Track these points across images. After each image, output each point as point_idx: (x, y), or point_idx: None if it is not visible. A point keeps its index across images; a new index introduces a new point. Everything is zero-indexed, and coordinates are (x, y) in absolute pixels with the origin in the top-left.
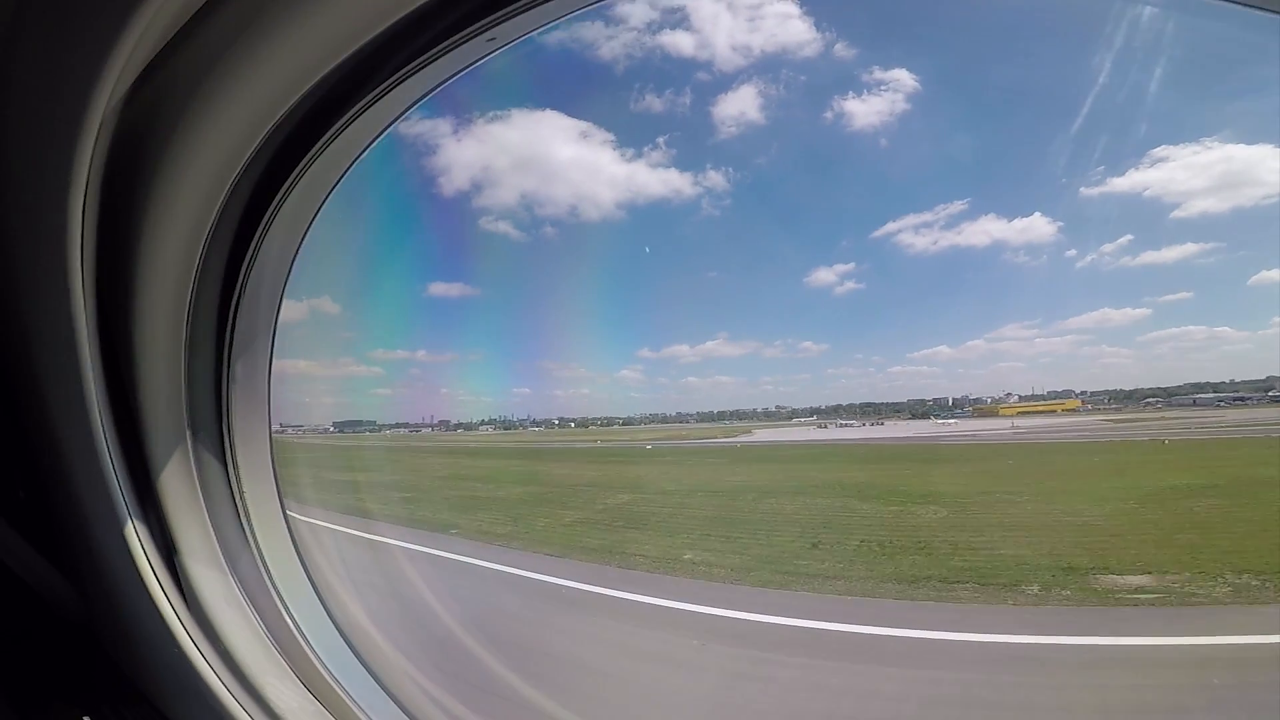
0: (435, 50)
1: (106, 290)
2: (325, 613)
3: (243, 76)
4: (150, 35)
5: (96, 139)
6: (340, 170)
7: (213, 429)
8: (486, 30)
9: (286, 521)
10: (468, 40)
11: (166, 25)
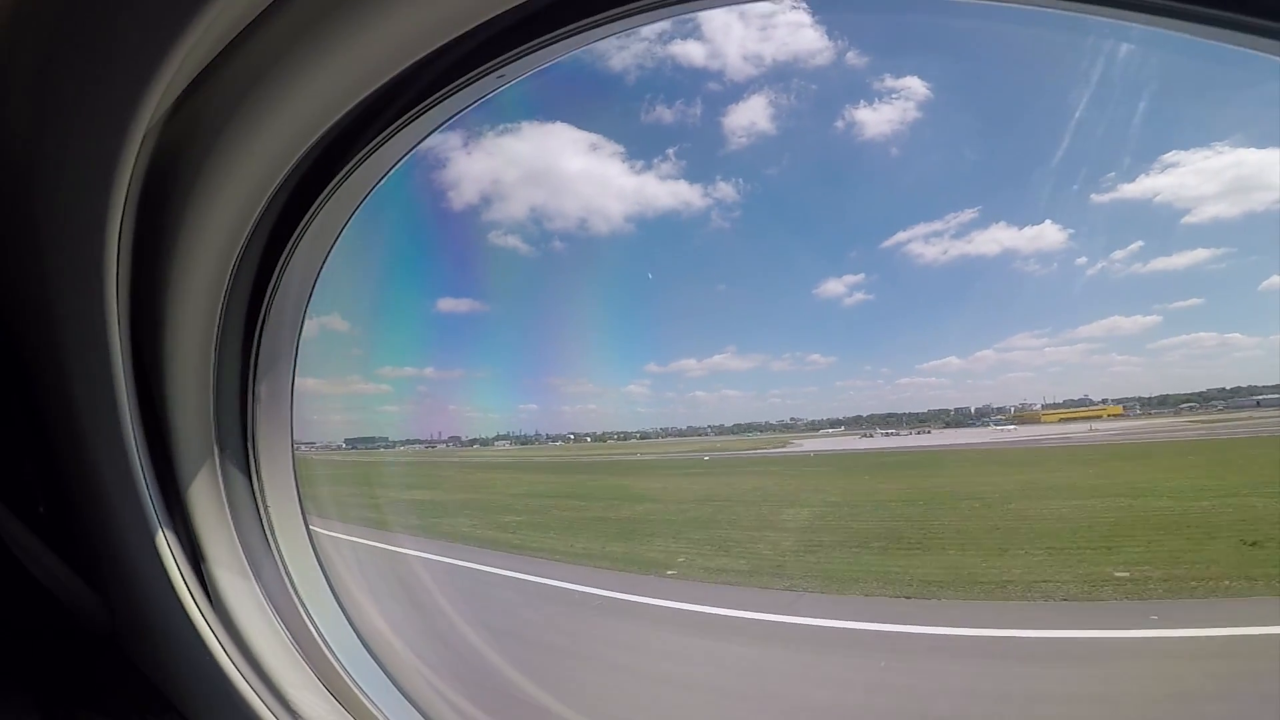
0: (451, 86)
1: (140, 307)
2: (349, 623)
3: (274, 105)
4: (193, 57)
5: (136, 159)
6: (359, 198)
7: (238, 444)
8: (498, 69)
9: (309, 533)
10: (482, 77)
11: (209, 48)
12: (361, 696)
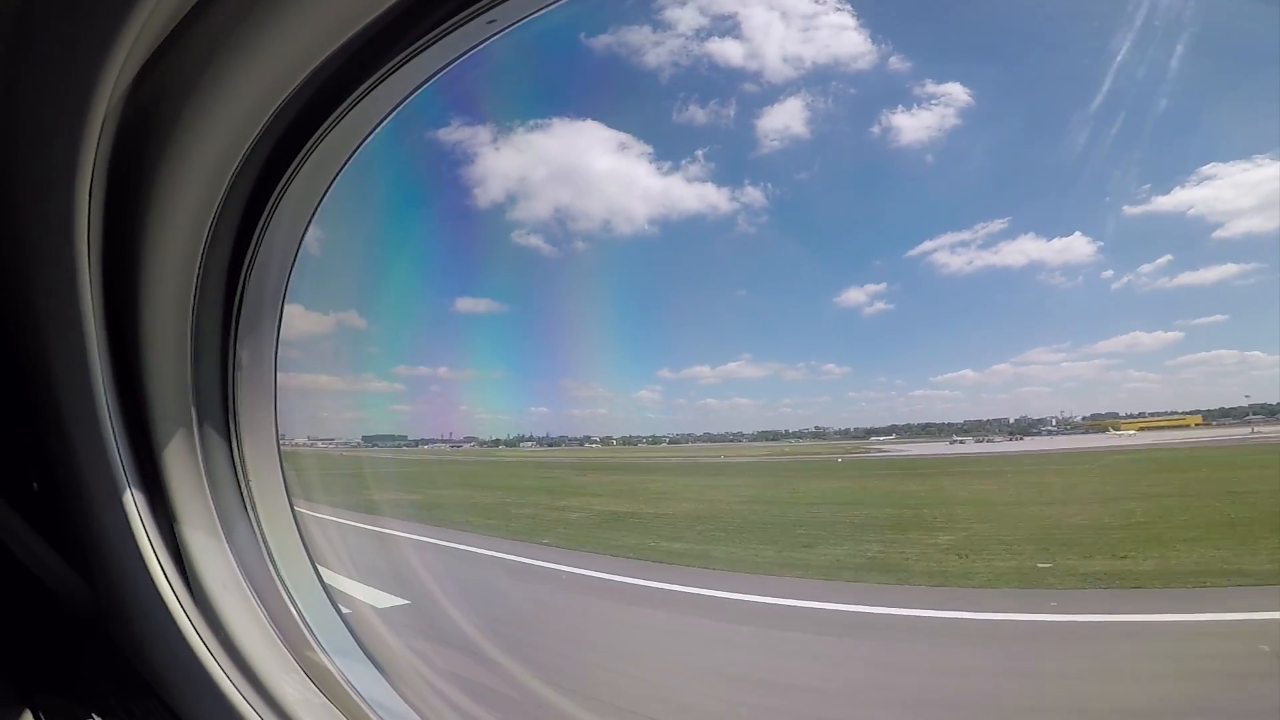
0: (434, 34)
1: (113, 276)
2: (330, 605)
3: (244, 64)
4: (151, 27)
5: (101, 131)
6: (344, 156)
7: (218, 415)
8: (486, 12)
9: (291, 508)
10: (467, 22)
11: (168, 17)
12: (340, 679)
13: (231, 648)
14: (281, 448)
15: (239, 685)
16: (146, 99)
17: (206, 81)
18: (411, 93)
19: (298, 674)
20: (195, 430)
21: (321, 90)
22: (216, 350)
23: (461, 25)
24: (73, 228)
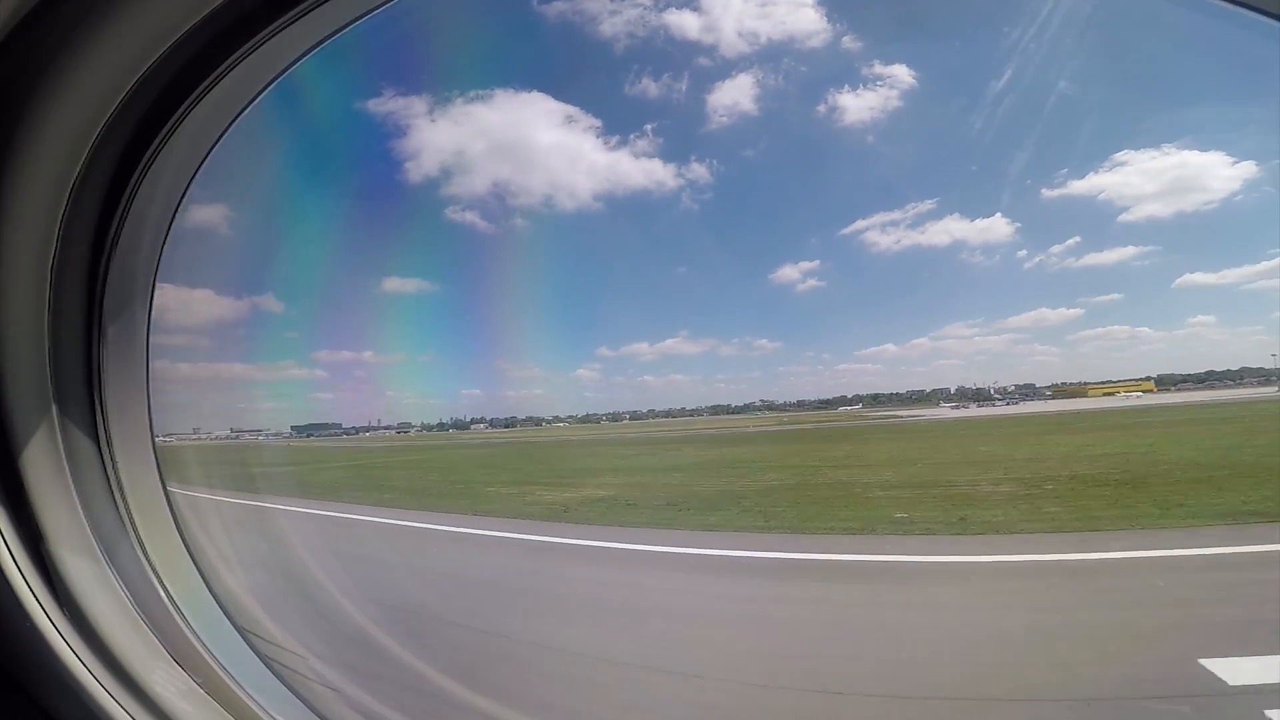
0: None
1: None
2: (208, 592)
3: (120, 14)
4: None
5: None
6: (228, 119)
7: (82, 397)
8: None
9: (165, 493)
10: None
11: None
12: (221, 672)
13: (96, 640)
14: (155, 431)
15: (102, 679)
16: (10, 56)
17: (77, 33)
18: (308, 51)
19: (169, 663)
20: (55, 413)
21: (207, 46)
22: (80, 325)
23: None
24: None
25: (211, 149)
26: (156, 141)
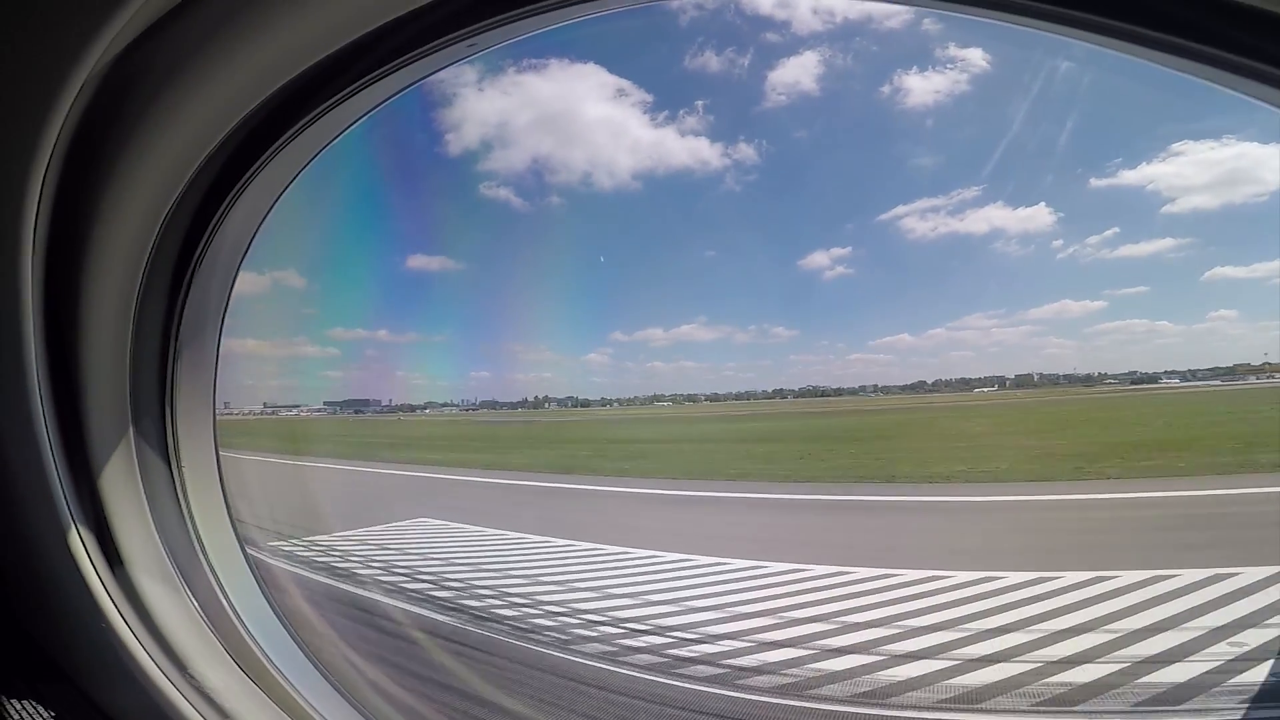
0: (417, 51)
1: (56, 266)
2: (261, 593)
3: (227, 59)
4: (145, 10)
5: (65, 118)
6: (303, 161)
7: (156, 416)
8: (469, 37)
9: (226, 504)
10: (449, 45)
11: (157, 6)
12: (269, 665)
13: (156, 631)
14: (219, 444)
15: (162, 667)
16: (122, 82)
17: (188, 72)
18: (381, 103)
19: (224, 659)
20: (129, 417)
21: (296, 94)
22: (157, 346)
23: (443, 47)
24: (20, 216)
25: (287, 187)
26: (247, 175)
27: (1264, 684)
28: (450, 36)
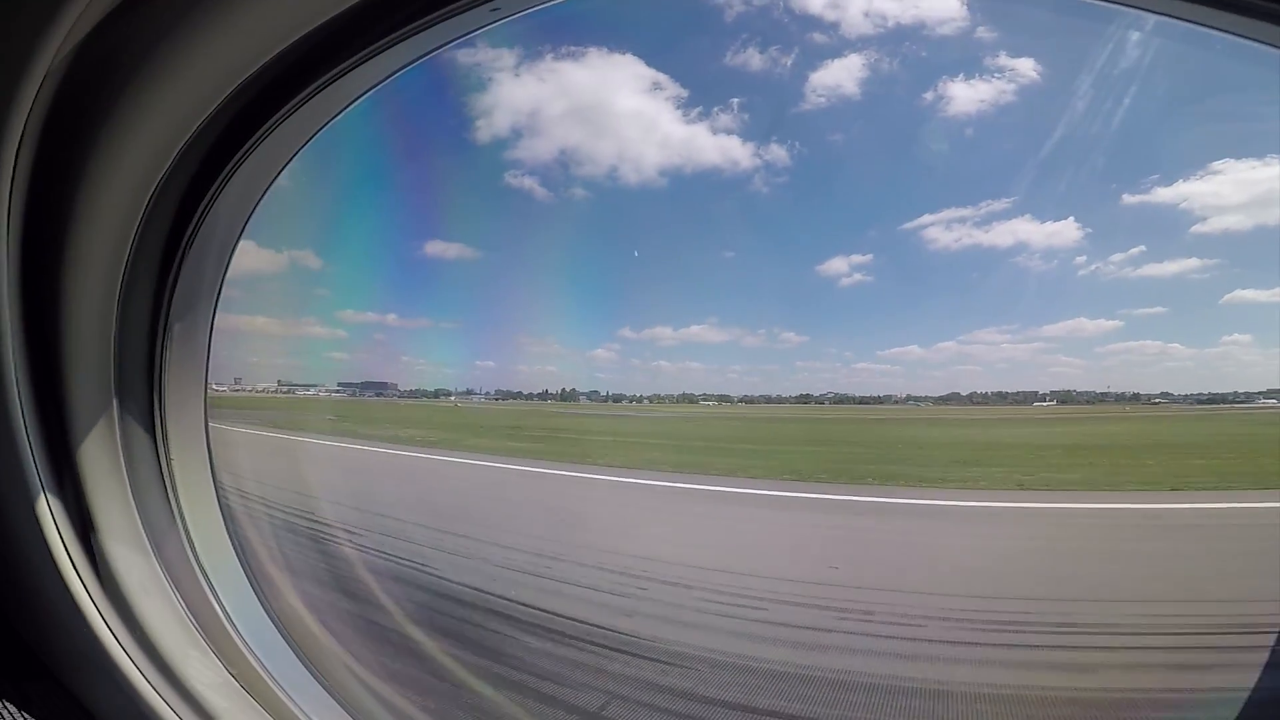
0: (434, 15)
1: (34, 237)
2: (254, 593)
3: (220, 23)
4: None
5: (40, 87)
6: (310, 133)
7: (142, 393)
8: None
9: (217, 494)
10: (470, 9)
11: None
12: (258, 666)
13: (139, 631)
14: (210, 426)
15: (143, 669)
16: (100, 53)
17: (176, 39)
18: (396, 72)
19: (210, 659)
20: (115, 407)
21: (299, 63)
22: (146, 321)
23: (463, 11)
24: None
25: (291, 159)
26: (241, 152)
27: None
28: None
